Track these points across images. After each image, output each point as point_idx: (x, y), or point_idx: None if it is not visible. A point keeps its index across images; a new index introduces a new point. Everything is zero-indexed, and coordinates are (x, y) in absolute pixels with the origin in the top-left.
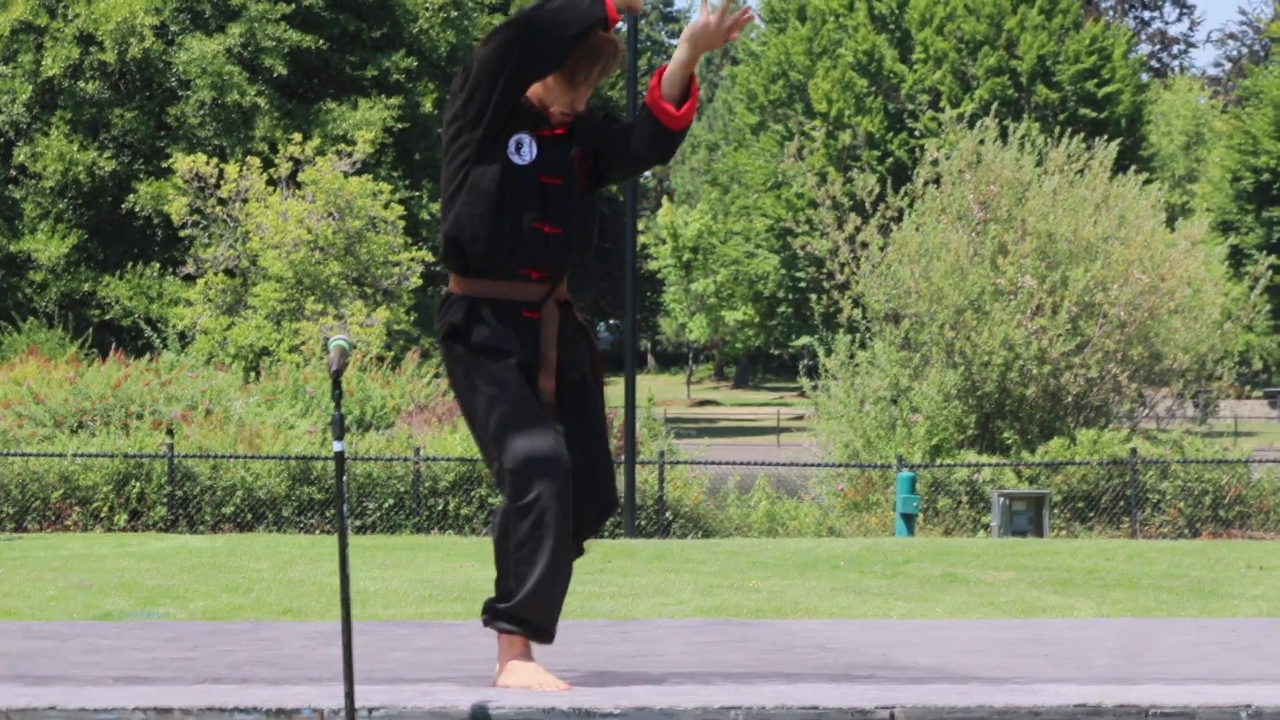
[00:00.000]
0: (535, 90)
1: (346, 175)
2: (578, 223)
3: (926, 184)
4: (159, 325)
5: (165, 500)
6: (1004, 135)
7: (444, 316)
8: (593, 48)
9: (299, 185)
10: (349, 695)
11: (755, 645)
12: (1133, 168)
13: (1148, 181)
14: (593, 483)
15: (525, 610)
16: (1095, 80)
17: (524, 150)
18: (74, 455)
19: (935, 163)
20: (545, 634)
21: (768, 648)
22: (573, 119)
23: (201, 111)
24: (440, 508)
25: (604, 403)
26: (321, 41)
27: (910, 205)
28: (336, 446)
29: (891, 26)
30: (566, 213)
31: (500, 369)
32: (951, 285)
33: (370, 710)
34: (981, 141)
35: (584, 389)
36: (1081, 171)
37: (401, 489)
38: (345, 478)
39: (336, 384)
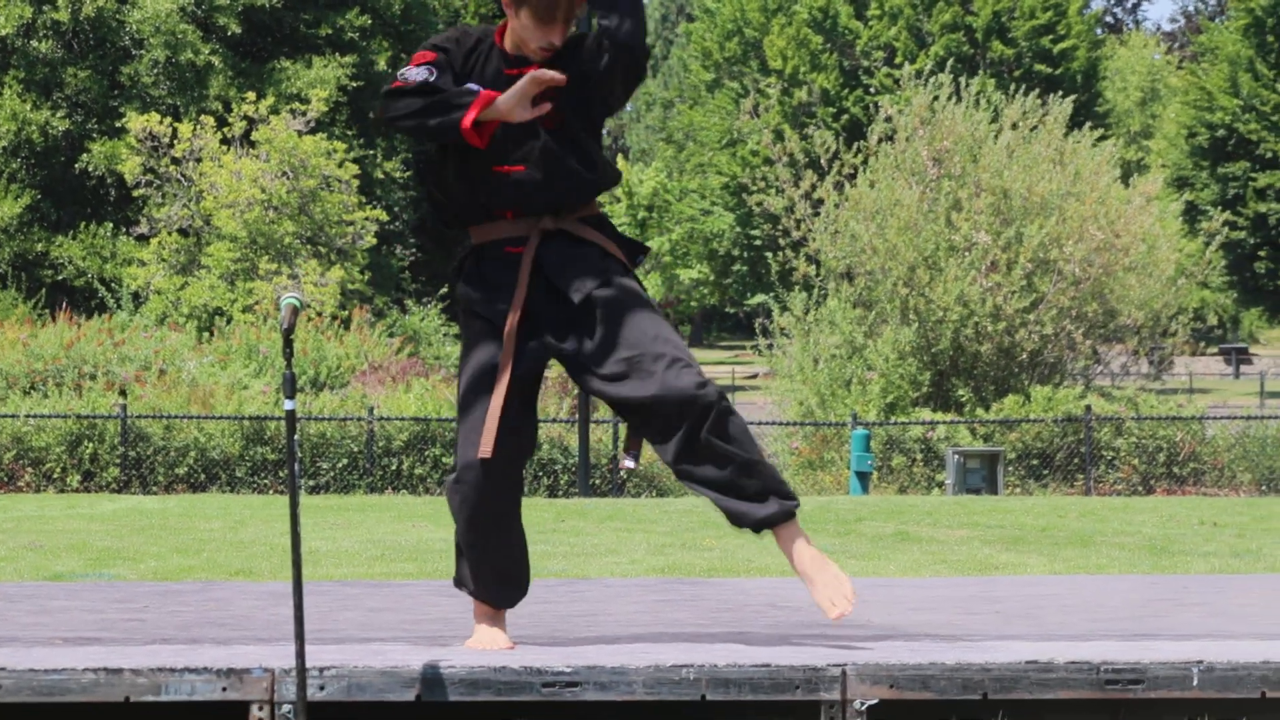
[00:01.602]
0: (513, 29)
1: (300, 134)
2: (547, 159)
3: (881, 140)
4: (112, 285)
5: (118, 461)
6: (958, 91)
7: (458, 260)
8: None
9: (253, 144)
10: (300, 655)
11: (707, 604)
12: (1087, 124)
13: (1102, 138)
14: (652, 410)
15: (462, 575)
16: (1050, 36)
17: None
18: (27, 416)
19: (889, 119)
20: (481, 596)
21: (719, 606)
22: (553, 55)
23: (155, 70)
24: (394, 467)
25: (636, 302)
26: (275, 0)
27: (864, 163)
28: (288, 405)
29: None
30: (529, 150)
31: (473, 338)
32: (905, 242)
33: (321, 670)
34: (936, 98)
35: (596, 305)
36: (1035, 128)
37: (355, 449)
38: (297, 437)
39: (288, 342)
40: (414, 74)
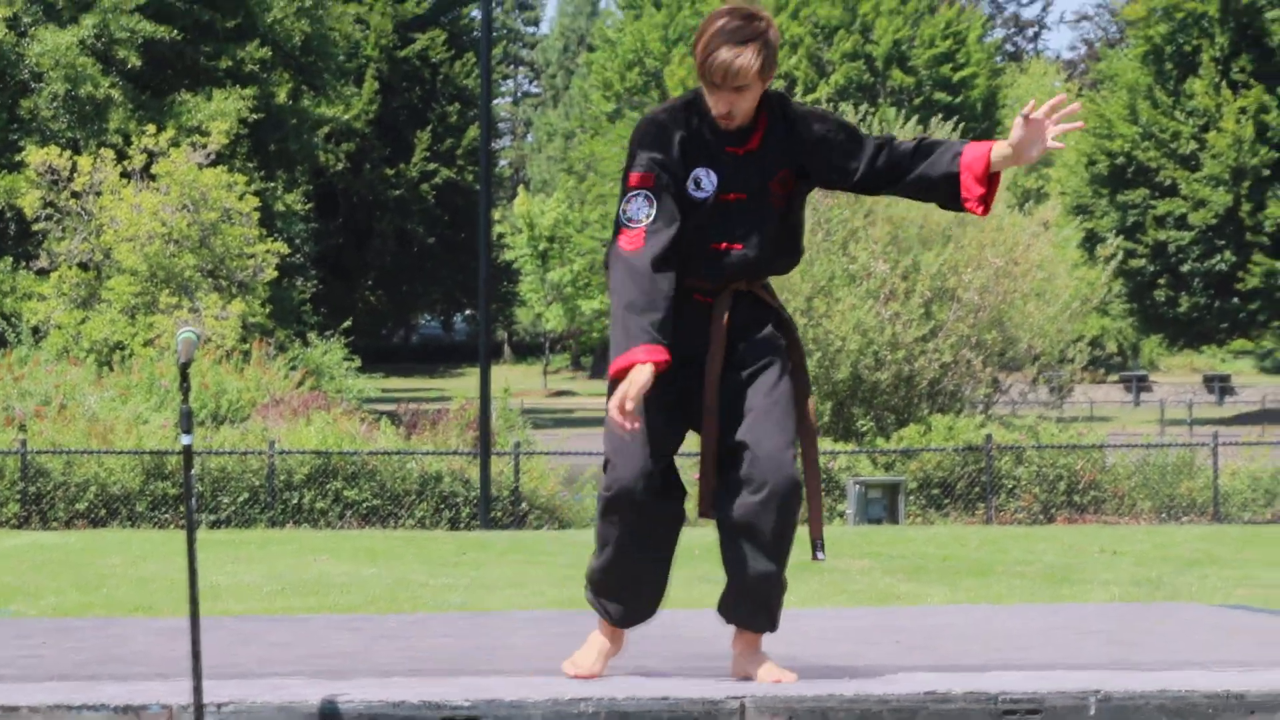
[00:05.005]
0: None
1: (201, 167)
2: (769, 241)
3: None
4: (12, 320)
5: (18, 497)
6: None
7: None
8: (706, 55)
9: (153, 177)
10: (196, 691)
11: None
12: None
13: None
14: (742, 462)
15: (591, 583)
16: (950, 64)
17: (704, 184)
18: None
19: None
20: (606, 614)
21: None
22: (766, 132)
23: (55, 104)
24: (295, 501)
25: (786, 388)
26: (175, 32)
27: None
28: (185, 440)
29: None
30: (756, 233)
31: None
32: (798, 273)
33: (219, 706)
34: None
35: (757, 375)
36: None
37: (256, 482)
38: (195, 471)
39: (184, 376)
40: (637, 211)
